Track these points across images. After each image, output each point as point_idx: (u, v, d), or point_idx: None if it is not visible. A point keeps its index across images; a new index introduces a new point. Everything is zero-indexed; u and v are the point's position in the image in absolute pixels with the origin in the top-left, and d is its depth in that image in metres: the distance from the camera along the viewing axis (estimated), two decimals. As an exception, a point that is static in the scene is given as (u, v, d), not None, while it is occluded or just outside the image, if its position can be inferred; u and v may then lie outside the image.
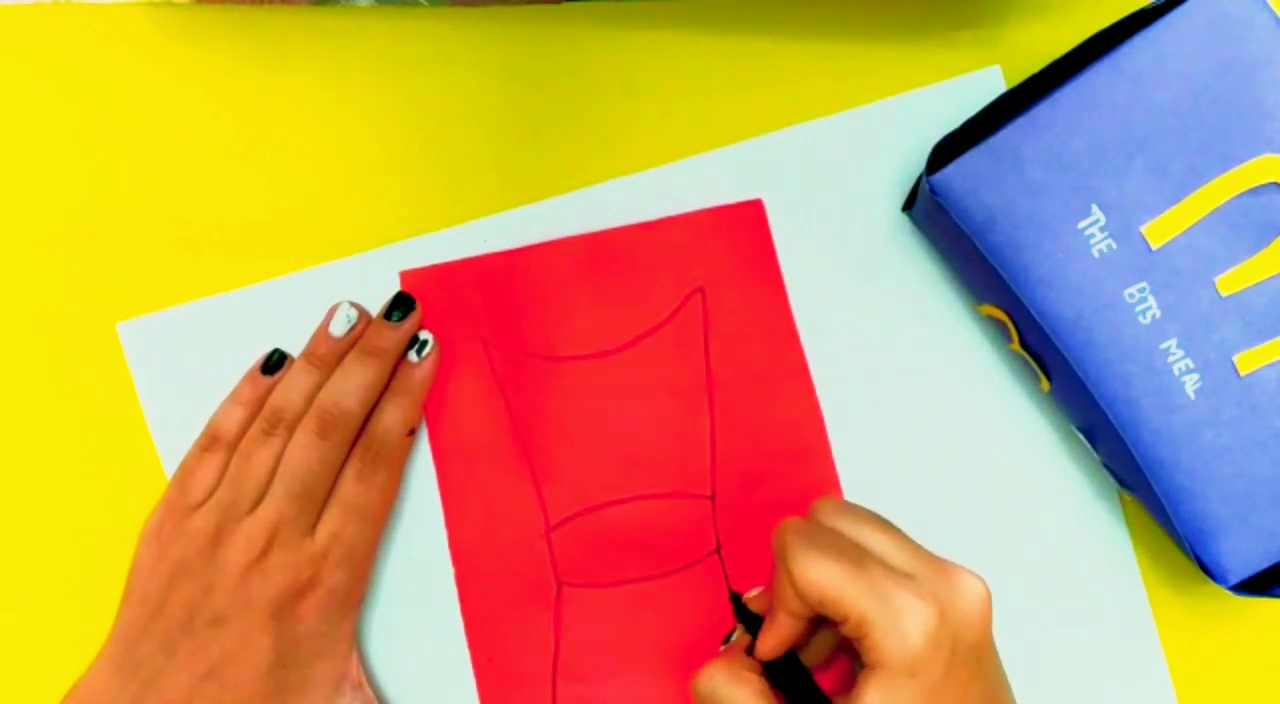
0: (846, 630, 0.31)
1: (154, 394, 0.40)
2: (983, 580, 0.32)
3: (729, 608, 0.39)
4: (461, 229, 0.40)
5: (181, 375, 0.39)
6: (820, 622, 0.34)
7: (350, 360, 0.38)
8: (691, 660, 0.39)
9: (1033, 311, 0.35)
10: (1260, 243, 0.35)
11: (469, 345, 0.40)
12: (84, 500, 0.40)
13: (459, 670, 0.39)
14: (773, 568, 0.39)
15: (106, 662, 0.36)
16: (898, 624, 0.30)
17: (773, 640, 0.34)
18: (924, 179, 0.36)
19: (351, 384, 0.37)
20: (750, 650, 0.35)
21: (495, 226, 0.40)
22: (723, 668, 0.34)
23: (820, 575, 0.31)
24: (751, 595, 0.38)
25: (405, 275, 0.40)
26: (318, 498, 0.37)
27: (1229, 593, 0.35)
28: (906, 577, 0.31)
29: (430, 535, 0.39)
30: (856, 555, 0.32)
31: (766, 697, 0.33)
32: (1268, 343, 0.35)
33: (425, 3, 0.40)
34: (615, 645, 0.39)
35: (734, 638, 0.37)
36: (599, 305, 0.40)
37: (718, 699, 0.33)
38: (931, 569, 0.32)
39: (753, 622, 0.36)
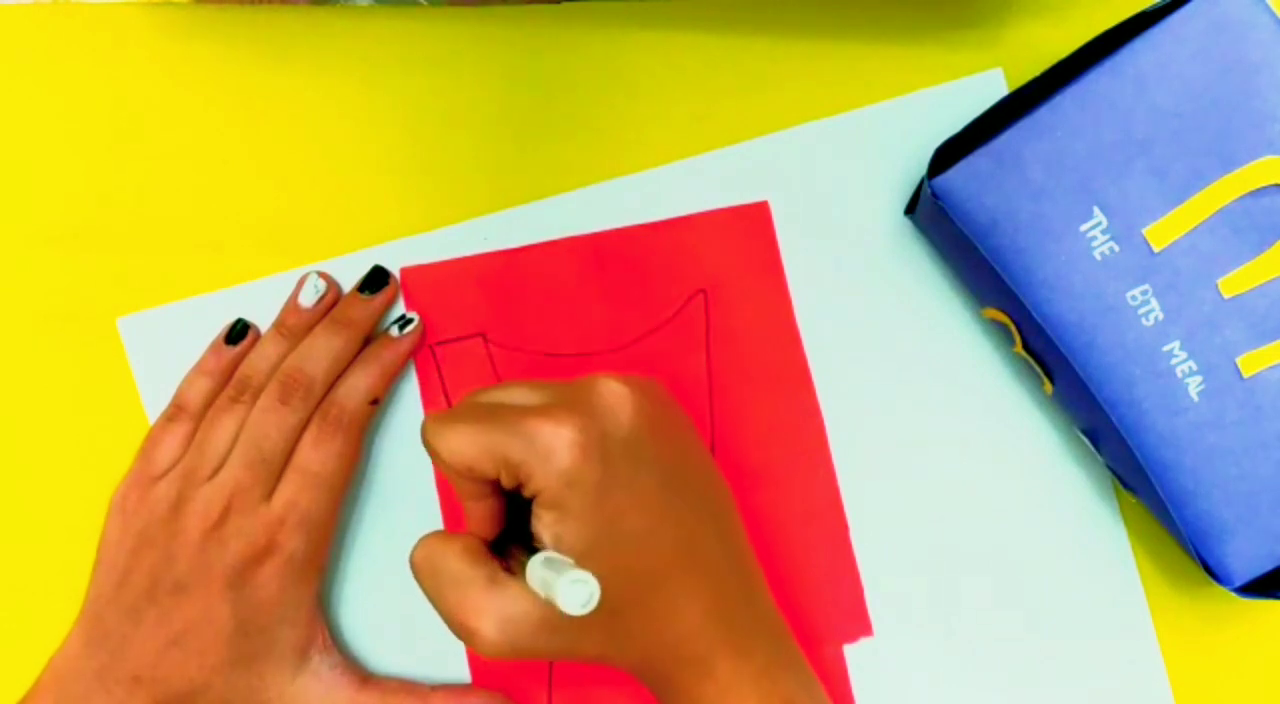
0: (509, 484, 0.32)
1: (154, 389, 0.40)
2: (622, 381, 0.33)
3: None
4: (462, 227, 0.40)
5: (181, 371, 0.39)
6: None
7: (318, 330, 0.38)
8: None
9: (1035, 314, 0.35)
10: (1262, 245, 0.35)
11: (470, 342, 0.40)
12: (84, 496, 0.40)
13: (456, 668, 0.39)
14: (765, 569, 0.39)
15: (78, 632, 0.36)
16: (538, 450, 0.31)
17: (475, 526, 0.34)
18: (926, 182, 0.36)
19: (316, 351, 0.38)
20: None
21: (496, 225, 0.40)
22: (434, 534, 0.34)
23: (455, 441, 0.31)
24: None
25: (406, 272, 0.40)
26: (275, 464, 0.36)
27: (1228, 594, 0.35)
28: (540, 408, 0.32)
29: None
30: (489, 411, 0.32)
31: (474, 549, 0.33)
32: (1271, 345, 0.35)
33: (425, 2, 0.40)
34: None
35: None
36: (601, 304, 0.40)
37: (430, 562, 0.33)
38: (564, 391, 0.33)
39: None
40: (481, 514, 0.34)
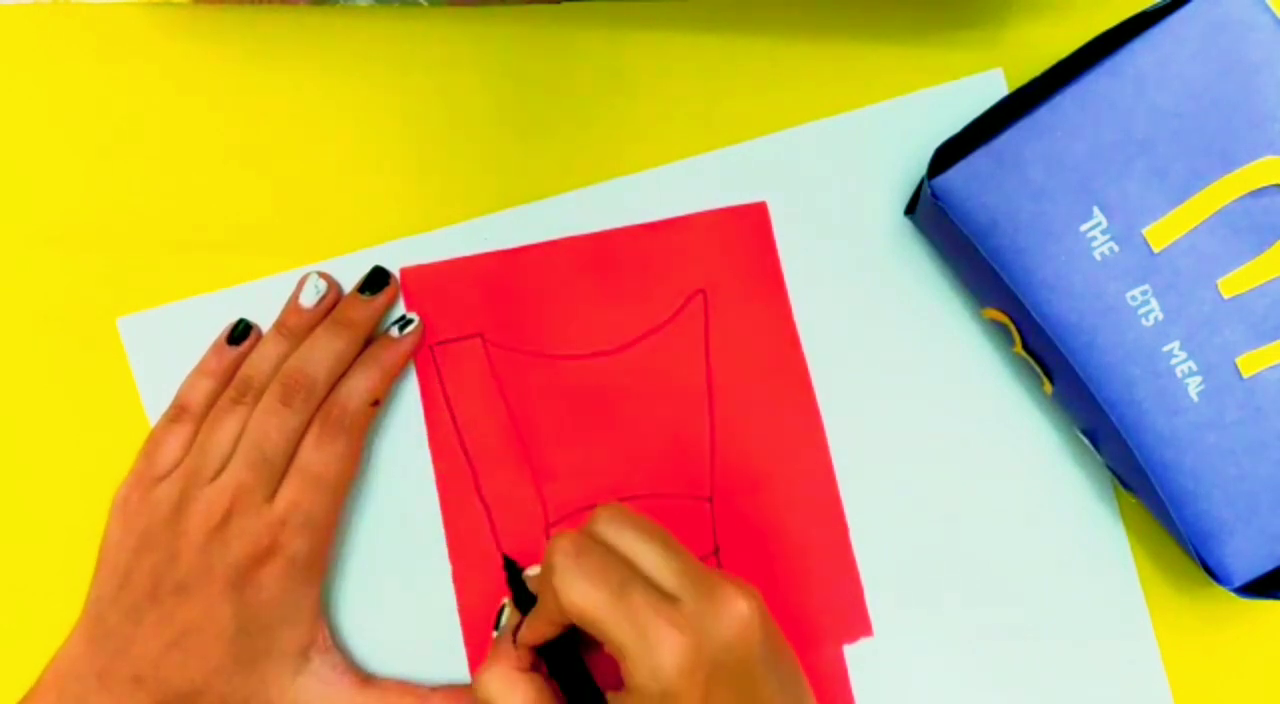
0: (608, 650, 0.31)
1: (154, 389, 0.40)
2: (750, 598, 0.32)
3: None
4: (461, 227, 0.40)
5: (181, 371, 0.39)
6: None
7: (320, 330, 0.38)
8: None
9: (1035, 315, 0.35)
10: (1262, 245, 0.35)
11: (469, 342, 0.40)
12: (85, 497, 0.40)
13: (455, 667, 0.39)
14: (765, 570, 0.39)
15: (80, 633, 0.36)
16: (652, 656, 0.30)
17: (534, 637, 0.34)
18: (926, 182, 0.36)
19: (318, 352, 0.38)
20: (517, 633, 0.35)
21: (495, 225, 0.40)
22: (497, 675, 0.34)
23: (582, 599, 0.31)
24: (532, 572, 0.37)
25: (405, 272, 0.40)
26: (277, 465, 0.36)
27: (1227, 595, 0.35)
28: (669, 602, 0.31)
29: (428, 532, 0.39)
30: (621, 579, 0.31)
31: (543, 695, 0.33)
32: (1270, 345, 0.35)
33: (425, 3, 0.40)
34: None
35: (504, 620, 0.37)
36: (600, 305, 0.40)
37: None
38: (697, 591, 0.31)
39: (522, 592, 0.37)
40: (550, 634, 0.34)
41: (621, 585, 0.31)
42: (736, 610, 0.31)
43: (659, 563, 0.32)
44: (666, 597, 0.31)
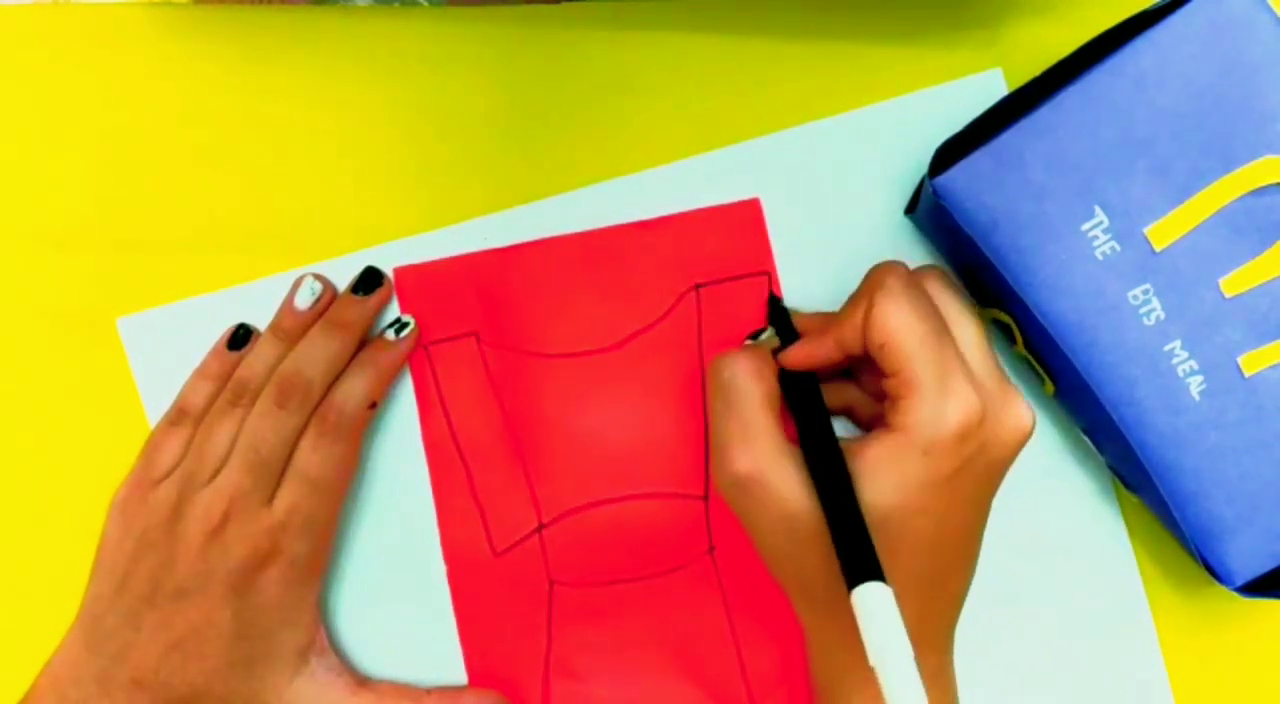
0: (887, 386, 0.32)
1: (153, 389, 0.40)
2: (1033, 413, 0.33)
3: (721, 609, 0.39)
4: (460, 228, 0.40)
5: (180, 371, 0.39)
6: (848, 374, 0.37)
7: (314, 331, 0.38)
8: (682, 661, 0.39)
9: (1036, 314, 0.35)
10: (1263, 244, 0.35)
11: (463, 342, 0.40)
12: (84, 497, 0.40)
13: (451, 667, 0.39)
14: (760, 568, 0.39)
15: (77, 635, 0.36)
16: (941, 403, 0.31)
17: (804, 355, 0.35)
18: (927, 181, 0.36)
19: (313, 353, 0.37)
20: (776, 353, 0.36)
21: (493, 225, 0.40)
22: (748, 361, 0.34)
23: (902, 324, 0.31)
24: (801, 311, 0.38)
25: (399, 272, 0.40)
26: (274, 468, 0.36)
27: (1229, 594, 0.35)
28: (971, 371, 0.32)
29: (423, 532, 0.39)
30: (941, 328, 0.32)
31: (773, 406, 0.34)
32: (1272, 343, 0.35)
33: (425, 3, 0.40)
34: (607, 644, 0.39)
35: (763, 337, 0.38)
36: (594, 302, 0.40)
37: (732, 388, 0.34)
38: (994, 379, 0.33)
39: (784, 326, 0.37)
40: (823, 355, 0.34)
41: (940, 333, 0.32)
42: (1023, 416, 0.33)
43: (972, 341, 0.33)
44: (971, 367, 0.32)
